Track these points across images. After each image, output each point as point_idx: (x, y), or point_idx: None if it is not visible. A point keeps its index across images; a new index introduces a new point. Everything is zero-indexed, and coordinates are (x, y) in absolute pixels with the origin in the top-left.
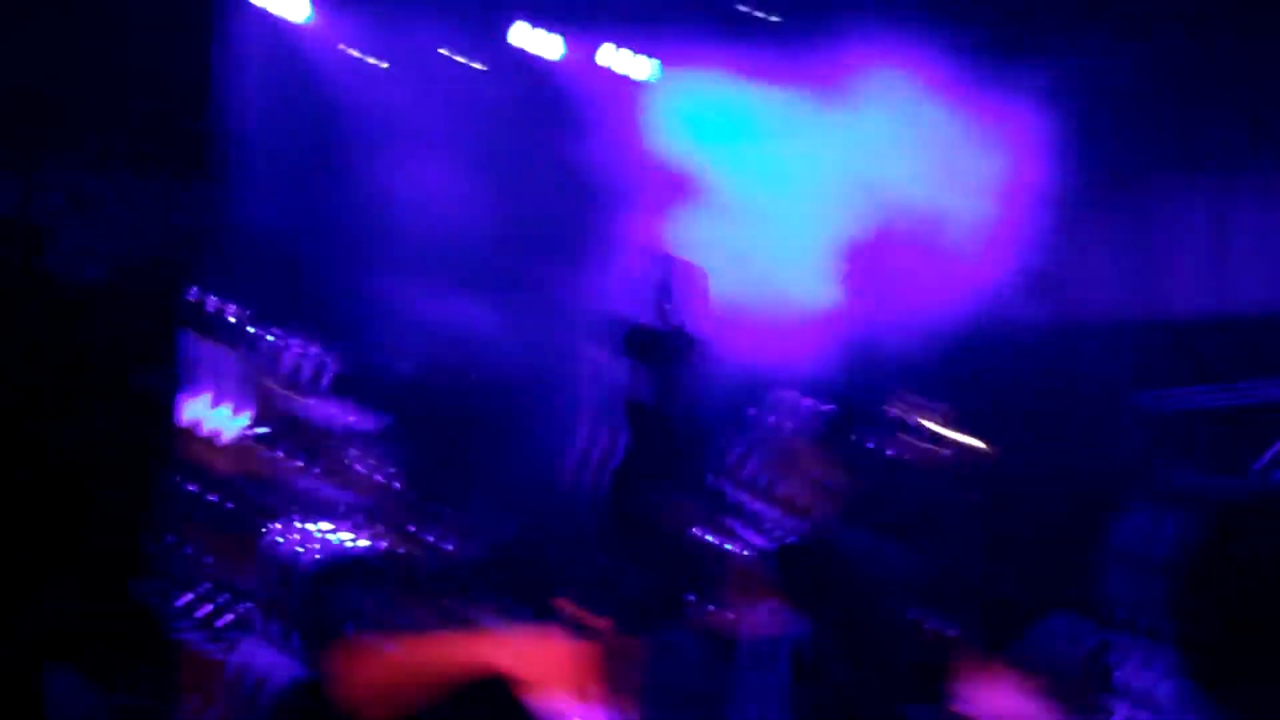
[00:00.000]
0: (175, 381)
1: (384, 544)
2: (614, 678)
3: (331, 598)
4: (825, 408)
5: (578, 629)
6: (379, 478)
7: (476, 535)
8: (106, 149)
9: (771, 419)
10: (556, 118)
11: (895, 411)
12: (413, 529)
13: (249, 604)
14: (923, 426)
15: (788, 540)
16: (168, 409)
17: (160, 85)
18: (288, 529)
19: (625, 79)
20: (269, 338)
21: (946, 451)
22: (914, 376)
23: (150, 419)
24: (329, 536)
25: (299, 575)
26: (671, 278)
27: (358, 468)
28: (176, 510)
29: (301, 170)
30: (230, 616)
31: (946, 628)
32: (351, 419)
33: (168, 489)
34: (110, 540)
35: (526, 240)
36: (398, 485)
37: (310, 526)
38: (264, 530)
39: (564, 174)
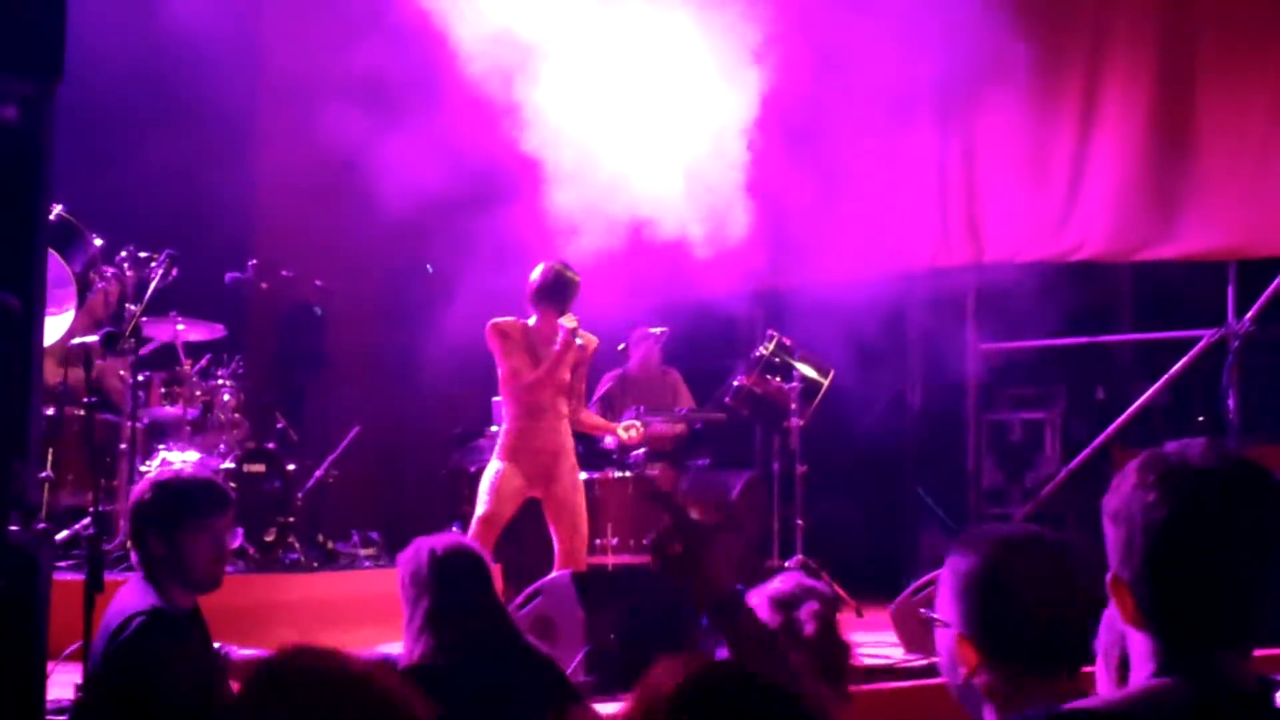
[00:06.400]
0: (38, 300)
1: (231, 465)
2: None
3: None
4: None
5: None
6: (226, 394)
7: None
8: None
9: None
10: None
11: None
12: (267, 446)
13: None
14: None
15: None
16: (30, 329)
17: None
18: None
19: None
20: (97, 242)
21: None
22: None
23: (13, 341)
24: (175, 459)
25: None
26: None
27: (201, 382)
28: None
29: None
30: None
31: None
32: (190, 329)
33: (33, 415)
34: None
35: None
36: (239, 400)
37: (161, 450)
38: (116, 454)
39: None
